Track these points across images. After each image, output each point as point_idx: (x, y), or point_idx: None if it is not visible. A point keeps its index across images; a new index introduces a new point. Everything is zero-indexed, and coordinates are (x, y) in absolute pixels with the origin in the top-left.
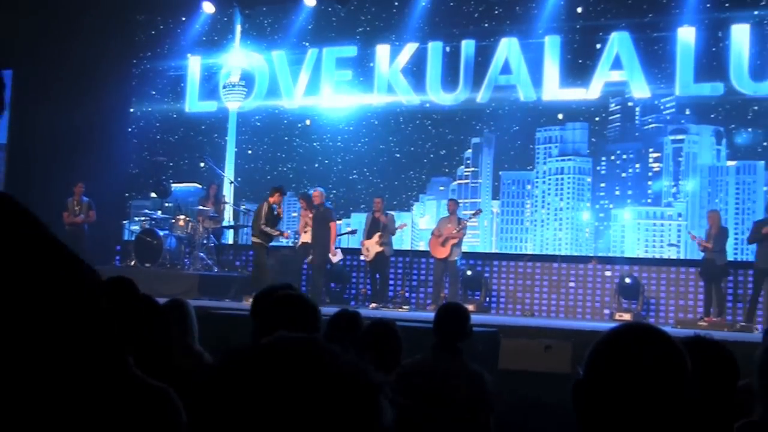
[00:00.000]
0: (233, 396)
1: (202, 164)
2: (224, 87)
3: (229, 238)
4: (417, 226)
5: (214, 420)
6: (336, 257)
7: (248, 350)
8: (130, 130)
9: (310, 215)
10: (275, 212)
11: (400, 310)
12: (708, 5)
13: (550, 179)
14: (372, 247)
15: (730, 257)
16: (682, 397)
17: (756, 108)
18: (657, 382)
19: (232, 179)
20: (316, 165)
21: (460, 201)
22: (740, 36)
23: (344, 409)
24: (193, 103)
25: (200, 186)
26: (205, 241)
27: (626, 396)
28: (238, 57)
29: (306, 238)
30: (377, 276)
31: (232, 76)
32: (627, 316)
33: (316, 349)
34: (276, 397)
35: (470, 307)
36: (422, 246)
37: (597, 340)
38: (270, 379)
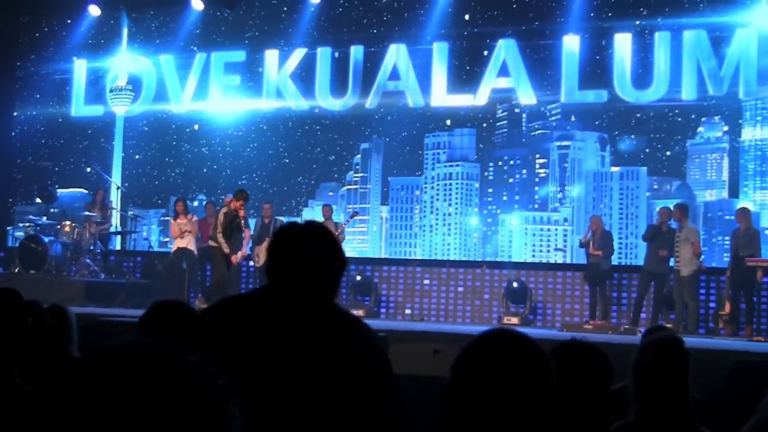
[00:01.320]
0: (78, 396)
1: (88, 169)
2: (111, 91)
3: (117, 244)
4: None
5: (63, 418)
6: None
7: (96, 353)
8: (13, 134)
9: (183, 221)
10: (236, 220)
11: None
12: (591, 14)
13: (438, 185)
14: (263, 254)
15: (615, 261)
16: (544, 401)
17: (638, 115)
18: (518, 387)
19: (119, 184)
20: (205, 170)
21: (350, 206)
22: (623, 45)
23: (185, 414)
24: (79, 107)
25: (86, 191)
26: (91, 247)
27: (489, 400)
28: (125, 61)
29: (182, 243)
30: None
31: (119, 80)
32: (514, 320)
33: (162, 354)
34: (119, 400)
35: (359, 312)
36: None
37: (463, 345)
38: (112, 381)
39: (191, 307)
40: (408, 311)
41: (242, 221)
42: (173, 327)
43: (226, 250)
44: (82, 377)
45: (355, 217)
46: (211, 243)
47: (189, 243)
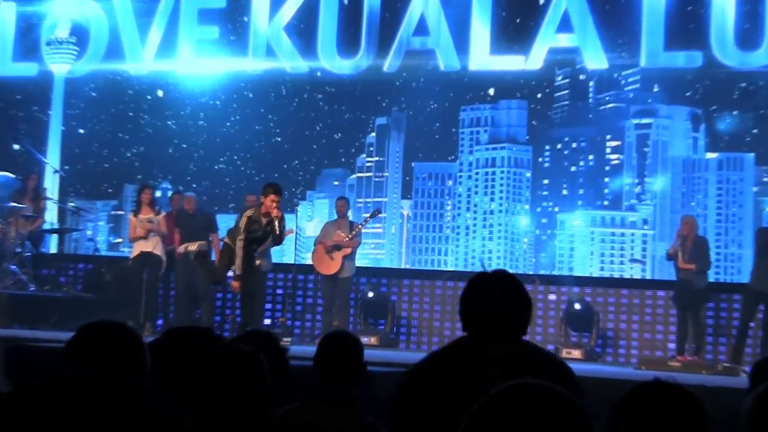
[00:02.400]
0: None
1: (16, 146)
2: (48, 44)
3: (52, 245)
4: (303, 232)
5: None
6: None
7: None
8: None
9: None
10: (267, 224)
11: (281, 343)
12: None
13: (477, 173)
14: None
15: (711, 278)
16: None
17: (743, 85)
18: None
19: (58, 168)
20: (171, 150)
21: (360, 201)
22: None
23: None
24: (6, 65)
25: (13, 176)
26: (18, 250)
27: None
28: (67, 4)
29: (146, 246)
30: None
31: (59, 30)
32: (576, 353)
33: (118, 391)
34: None
35: (372, 340)
36: (309, 259)
37: (615, 400)
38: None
39: (135, 333)
40: (436, 339)
41: (277, 226)
42: (109, 358)
43: (238, 271)
44: (9, 419)
45: (378, 216)
46: (188, 248)
47: (155, 246)
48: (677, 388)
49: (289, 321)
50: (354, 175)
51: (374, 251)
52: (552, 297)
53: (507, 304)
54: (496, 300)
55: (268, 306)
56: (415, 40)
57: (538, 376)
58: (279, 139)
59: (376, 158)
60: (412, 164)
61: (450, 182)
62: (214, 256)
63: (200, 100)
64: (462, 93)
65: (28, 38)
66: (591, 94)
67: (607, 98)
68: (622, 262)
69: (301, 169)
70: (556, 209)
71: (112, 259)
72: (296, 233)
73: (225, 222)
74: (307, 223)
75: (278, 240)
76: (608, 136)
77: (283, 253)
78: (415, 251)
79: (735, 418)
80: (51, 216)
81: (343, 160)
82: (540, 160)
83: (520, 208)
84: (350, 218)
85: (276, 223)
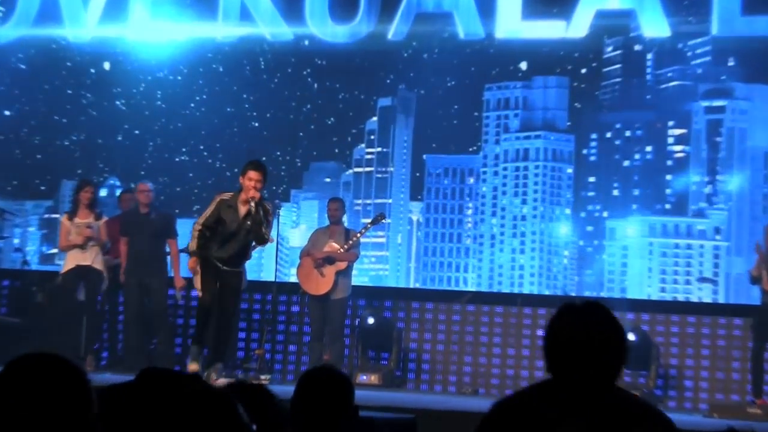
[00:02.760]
0: None
1: None
2: None
3: None
4: (286, 242)
5: None
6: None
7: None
8: None
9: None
10: (246, 217)
11: (258, 381)
12: None
13: (506, 168)
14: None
15: None
16: None
17: None
18: None
19: None
20: (120, 138)
21: (358, 202)
22: None
23: None
24: None
25: None
26: None
27: None
28: None
29: (82, 258)
30: (220, 323)
31: None
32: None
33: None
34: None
35: (372, 378)
36: (294, 275)
37: None
38: None
39: (79, 370)
40: (453, 378)
41: (255, 212)
42: (45, 401)
43: (190, 265)
44: None
45: (381, 222)
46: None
47: (94, 258)
48: None
49: (267, 354)
50: (350, 171)
51: (376, 266)
52: None
53: (602, 345)
54: (590, 338)
55: (242, 335)
56: (427, 1)
57: None
58: (256, 124)
59: (378, 149)
60: (424, 157)
61: (471, 180)
62: (171, 270)
63: (157, 74)
64: (487, 68)
65: None
66: (649, 70)
67: (670, 75)
68: (688, 282)
69: (283, 163)
70: (605, 214)
71: (45, 274)
72: (277, 243)
73: (186, 227)
74: (292, 231)
75: (260, 237)
76: (670, 123)
77: (261, 268)
78: (428, 266)
79: None
80: None
81: (336, 151)
82: (584, 152)
83: (560, 212)
84: (346, 224)
85: (259, 213)
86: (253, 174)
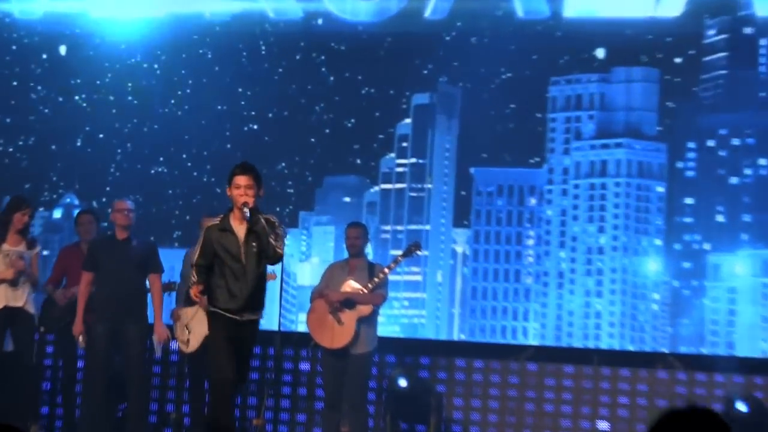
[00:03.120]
0: None
1: None
2: None
3: None
4: (293, 279)
5: None
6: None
7: None
8: None
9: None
10: (248, 236)
11: None
12: None
13: (577, 186)
14: (198, 323)
15: None
16: None
17: None
18: None
19: None
20: (79, 143)
21: (386, 229)
22: None
23: None
24: None
25: None
26: None
27: None
28: None
29: (15, 297)
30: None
31: None
32: None
33: None
34: None
35: None
36: (304, 323)
37: None
38: None
39: None
40: None
41: (256, 223)
42: None
43: (201, 305)
44: None
45: (415, 254)
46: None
47: (21, 298)
48: None
49: (269, 424)
50: (377, 187)
51: (409, 311)
52: (699, 392)
53: None
54: None
55: (236, 401)
56: None
57: None
58: (255, 126)
59: (413, 160)
60: (471, 171)
61: (533, 201)
62: (151, 316)
63: (128, 62)
64: (553, 55)
65: None
66: (763, 60)
67: None
68: None
69: (290, 177)
70: (707, 247)
71: None
72: (282, 280)
73: (172, 259)
74: (300, 265)
75: (271, 252)
76: None
77: (261, 312)
78: (476, 312)
79: None
80: None
81: (358, 162)
82: (680, 165)
83: (648, 244)
84: (370, 257)
85: (260, 222)
86: (240, 180)
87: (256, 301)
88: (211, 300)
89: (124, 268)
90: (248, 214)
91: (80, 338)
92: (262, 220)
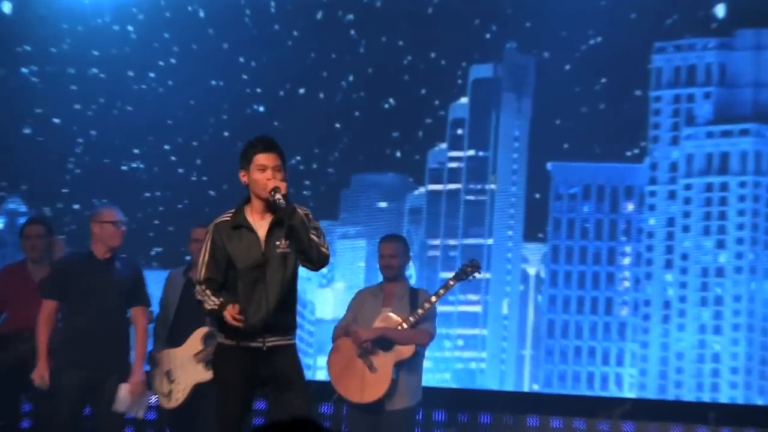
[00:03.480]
0: None
1: None
2: None
3: None
4: (310, 309)
5: None
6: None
7: None
8: None
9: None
10: (273, 231)
11: None
12: None
13: (690, 187)
14: (184, 370)
15: None
16: None
17: None
18: None
19: None
20: (28, 130)
21: (435, 243)
22: None
23: None
24: None
25: None
26: None
27: None
28: None
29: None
30: None
31: None
32: None
33: None
34: None
35: None
36: (325, 368)
37: None
38: None
39: None
40: None
41: (289, 212)
42: None
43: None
44: None
45: (472, 277)
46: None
47: None
48: None
49: None
50: (421, 189)
51: (465, 353)
52: None
53: None
54: None
55: None
56: None
57: None
58: (260, 108)
59: (470, 152)
60: (548, 166)
61: (630, 206)
62: (132, 356)
63: (93, 23)
64: (657, 14)
65: None
66: None
67: None
68: None
69: (307, 174)
70: None
71: None
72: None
73: (156, 282)
74: (320, 292)
75: (315, 256)
76: None
77: (293, 335)
78: (554, 355)
79: None
80: None
81: (398, 155)
82: None
83: None
84: (412, 282)
85: (296, 213)
86: (264, 158)
87: (284, 319)
88: (219, 327)
89: (105, 297)
90: (283, 203)
91: (41, 382)
92: (300, 211)
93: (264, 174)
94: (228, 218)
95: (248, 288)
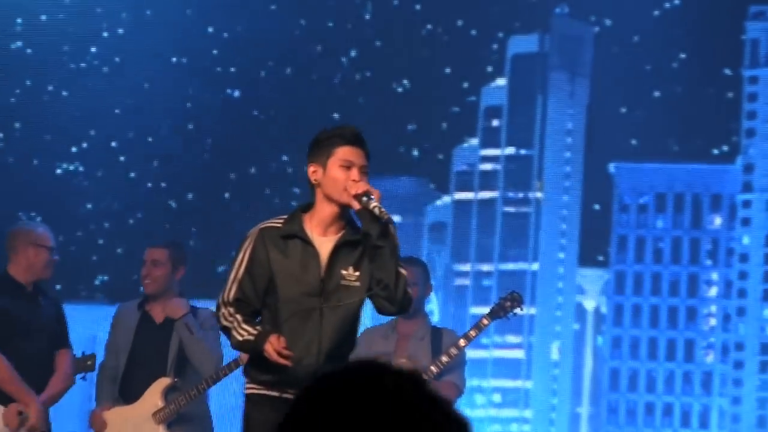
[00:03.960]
0: None
1: None
2: None
3: None
4: None
5: None
6: None
7: None
8: None
9: None
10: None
11: None
12: None
13: None
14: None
15: None
16: None
17: None
18: None
19: None
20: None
21: (465, 269)
22: None
23: None
24: None
25: None
26: None
27: None
28: None
29: None
30: None
31: None
32: None
33: None
34: None
35: None
36: None
37: None
38: None
39: None
40: None
41: (379, 228)
42: None
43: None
44: None
45: (513, 313)
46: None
47: None
48: None
49: None
50: (447, 197)
51: (504, 411)
52: None
53: None
54: None
55: None
56: None
57: None
58: (236, 93)
59: (510, 150)
60: (610, 168)
61: (718, 220)
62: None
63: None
64: None
65: None
66: None
67: None
68: None
69: (297, 178)
70: None
71: None
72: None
73: (83, 324)
74: None
75: (400, 297)
76: None
77: None
78: (618, 413)
79: None
80: None
81: (415, 154)
82: None
83: None
84: (434, 319)
85: (389, 230)
86: (352, 154)
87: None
88: (248, 370)
89: (32, 335)
90: (381, 212)
91: None
92: (392, 228)
93: (349, 172)
94: (279, 224)
95: (296, 322)
